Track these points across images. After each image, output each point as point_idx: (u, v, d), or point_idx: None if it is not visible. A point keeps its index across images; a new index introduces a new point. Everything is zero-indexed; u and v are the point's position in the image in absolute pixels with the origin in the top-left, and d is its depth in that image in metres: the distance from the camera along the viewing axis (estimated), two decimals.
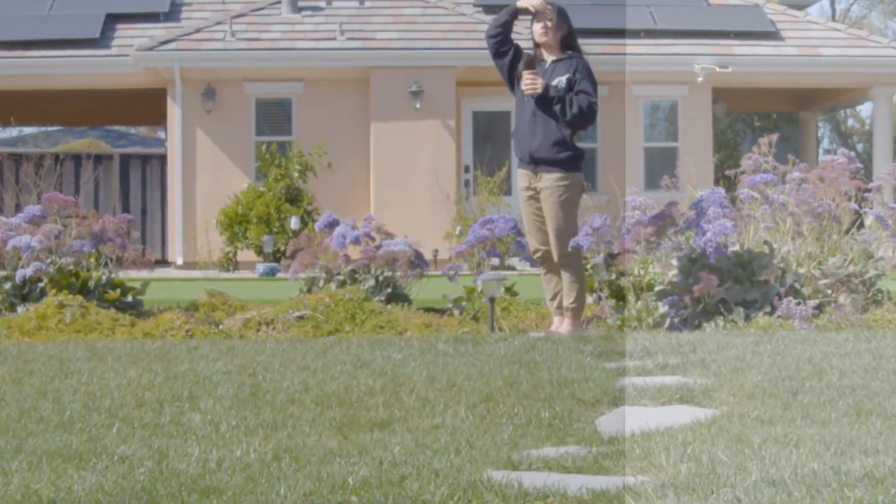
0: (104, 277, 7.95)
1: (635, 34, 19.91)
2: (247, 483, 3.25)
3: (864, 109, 35.22)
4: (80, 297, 7.53)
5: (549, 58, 7.35)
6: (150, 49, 18.66)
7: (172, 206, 19.35)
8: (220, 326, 7.37)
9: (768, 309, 7.13)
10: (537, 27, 7.29)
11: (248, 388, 4.98)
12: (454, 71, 19.21)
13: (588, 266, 7.67)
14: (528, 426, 4.27)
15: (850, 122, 37.12)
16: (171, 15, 20.42)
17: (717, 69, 19.38)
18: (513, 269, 13.06)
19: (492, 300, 7.48)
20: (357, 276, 8.35)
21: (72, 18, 19.72)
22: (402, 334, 7.25)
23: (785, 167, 7.94)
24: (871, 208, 8.16)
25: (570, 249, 7.06)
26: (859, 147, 33.51)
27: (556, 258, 7.17)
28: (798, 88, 22.27)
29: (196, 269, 17.72)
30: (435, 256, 17.90)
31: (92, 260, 8.07)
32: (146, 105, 21.86)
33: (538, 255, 7.33)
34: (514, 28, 7.41)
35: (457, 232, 17.65)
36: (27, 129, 31.32)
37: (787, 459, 3.39)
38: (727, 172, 8.34)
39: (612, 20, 19.87)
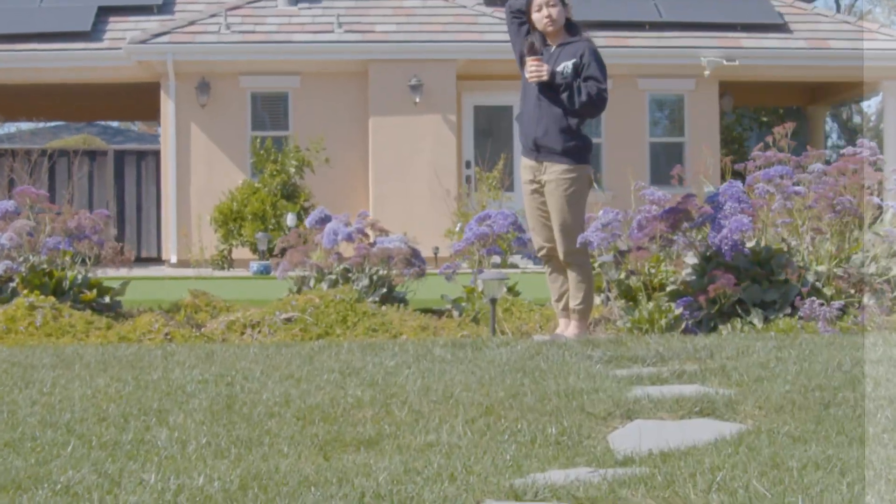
0: (80, 277, 7.46)
1: (640, 27, 19.45)
2: None
3: (868, 105, 34.79)
4: (52, 299, 7.04)
5: (553, 42, 6.89)
6: (143, 42, 18.20)
7: (166, 203, 18.90)
8: (203, 329, 6.89)
9: (788, 310, 6.68)
10: (539, 16, 6.82)
11: (223, 399, 4.53)
12: (455, 64, 18.74)
13: (595, 264, 7.19)
14: (533, 444, 3.82)
15: (856, 118, 36.66)
16: (165, 7, 19.97)
17: (725, 62, 18.92)
18: (515, 266, 12.59)
19: (493, 301, 6.98)
20: (350, 275, 7.86)
21: (63, 11, 19.26)
22: (397, 338, 6.79)
23: (800, 158, 7.47)
24: (891, 202, 7.71)
25: (577, 246, 6.58)
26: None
27: (561, 256, 6.68)
28: (806, 82, 21.80)
29: (191, 268, 17.26)
30: (435, 254, 17.47)
31: (67, 258, 7.58)
32: (140, 100, 21.40)
33: (542, 252, 6.83)
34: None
35: (457, 229, 17.21)
36: (24, 126, 30.88)
37: (837, 491, 2.93)
38: (737, 166, 7.87)
39: (615, 12, 19.40)
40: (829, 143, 30.98)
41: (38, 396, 4.65)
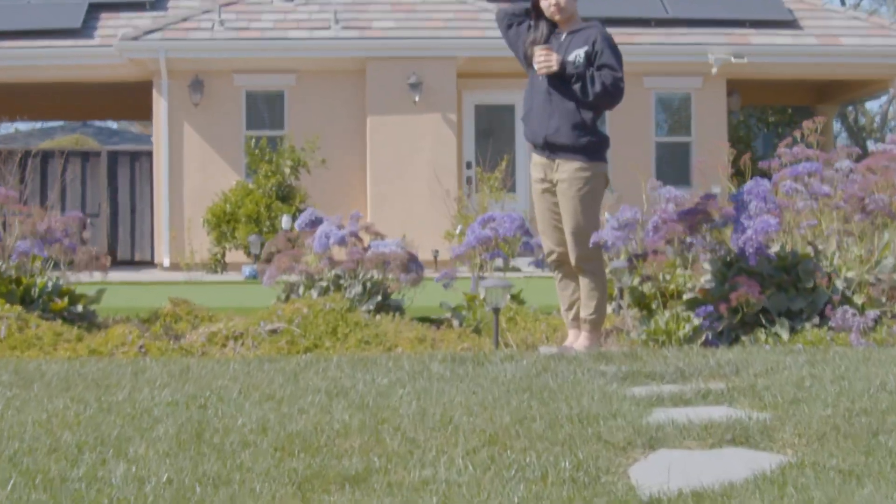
0: (50, 284, 6.90)
1: (645, 23, 18.94)
2: None
3: (873, 105, 34.28)
4: (18, 308, 6.50)
5: (564, 29, 6.36)
6: (135, 39, 17.69)
7: (158, 205, 18.38)
8: (181, 342, 6.35)
9: (816, 320, 6.15)
10: (546, 3, 6.30)
11: (193, 425, 4.01)
12: (455, 62, 18.22)
13: (607, 270, 6.65)
14: (545, 481, 3.31)
15: (861, 119, 36.13)
16: (158, 3, 19.48)
17: (733, 60, 18.41)
18: (518, 270, 12.02)
19: (496, 311, 6.44)
20: (342, 281, 7.30)
21: (53, 7, 18.75)
22: (392, 351, 6.26)
23: (829, 155, 6.95)
24: None
25: (591, 247, 6.02)
26: (870, 143, 32.54)
27: (573, 262, 6.13)
28: (815, 80, 21.29)
29: (184, 271, 16.73)
30: (435, 257, 16.96)
31: (38, 264, 7.02)
32: (132, 99, 20.89)
33: (553, 257, 6.29)
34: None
35: (457, 231, 16.68)
36: (22, 126, 30.34)
37: None
38: (761, 164, 7.34)
39: (620, 8, 18.88)
40: (839, 143, 30.45)
41: None
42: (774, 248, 6.36)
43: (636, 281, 6.67)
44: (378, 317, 6.87)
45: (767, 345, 5.96)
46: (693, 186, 18.01)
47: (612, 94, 6.06)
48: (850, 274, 6.43)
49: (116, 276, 14.66)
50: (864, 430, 3.82)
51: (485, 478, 3.33)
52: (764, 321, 6.16)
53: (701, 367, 5.16)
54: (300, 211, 16.41)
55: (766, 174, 7.29)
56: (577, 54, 6.15)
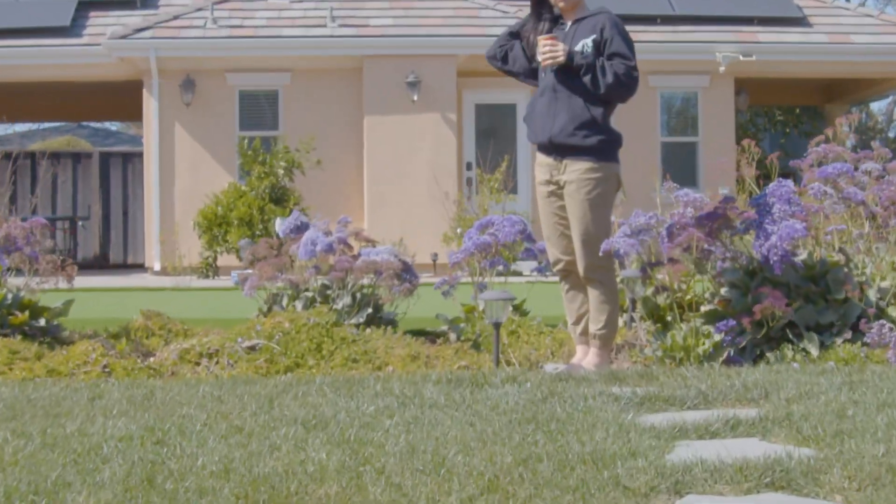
0: (10, 296, 6.34)
1: (651, 20, 18.39)
2: None
3: (874, 105, 33.68)
4: None
5: (568, 18, 5.81)
6: (124, 37, 17.13)
7: (148, 207, 17.83)
8: (150, 360, 5.80)
9: (848, 334, 5.60)
10: None
11: (147, 466, 3.46)
12: (455, 60, 17.66)
13: (618, 279, 6.08)
14: None
15: (865, 118, 35.56)
16: (149, 1, 18.94)
17: (741, 58, 17.86)
18: (519, 273, 11.45)
19: (496, 326, 5.87)
20: (329, 292, 6.74)
21: (41, 5, 18.20)
22: (381, 370, 5.70)
23: (859, 156, 6.40)
24: None
25: (601, 254, 5.46)
26: (875, 144, 31.94)
27: (581, 271, 5.57)
28: (825, 79, 20.73)
29: (174, 276, 16.17)
30: (434, 261, 16.42)
31: None
32: (123, 99, 20.34)
33: (559, 266, 5.73)
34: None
35: (458, 233, 16.13)
36: (18, 127, 29.77)
37: None
38: (791, 163, 6.78)
39: (625, 5, 18.31)
40: (848, 144, 29.89)
41: None
42: (801, 256, 5.81)
43: (650, 291, 6.12)
44: (368, 330, 6.30)
45: (796, 363, 5.41)
46: (700, 187, 17.48)
47: (627, 84, 5.49)
48: (884, 284, 5.88)
49: (102, 281, 14.12)
50: None
51: None
52: (791, 335, 5.61)
53: (726, 391, 4.62)
54: None
55: (788, 175, 6.74)
56: (585, 43, 5.59)
